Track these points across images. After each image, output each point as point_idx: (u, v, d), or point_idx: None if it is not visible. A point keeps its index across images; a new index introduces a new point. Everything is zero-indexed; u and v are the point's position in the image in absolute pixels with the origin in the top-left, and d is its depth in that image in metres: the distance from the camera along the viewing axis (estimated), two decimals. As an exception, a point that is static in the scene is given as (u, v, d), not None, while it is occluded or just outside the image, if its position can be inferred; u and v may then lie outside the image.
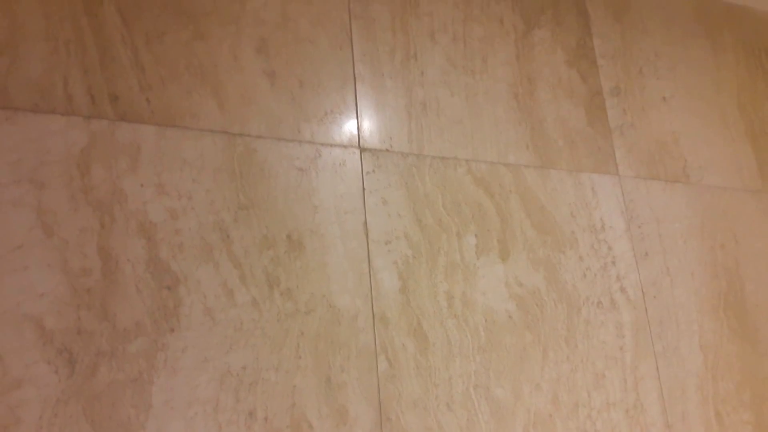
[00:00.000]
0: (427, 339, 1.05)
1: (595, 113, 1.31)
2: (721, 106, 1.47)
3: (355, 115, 1.11)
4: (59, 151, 0.92)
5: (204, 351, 0.92)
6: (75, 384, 0.84)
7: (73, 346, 0.86)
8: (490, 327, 1.10)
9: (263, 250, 0.99)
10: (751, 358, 1.28)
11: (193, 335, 0.92)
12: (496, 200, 1.17)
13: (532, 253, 1.17)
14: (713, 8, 1.54)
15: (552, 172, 1.23)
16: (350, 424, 0.96)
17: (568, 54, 1.32)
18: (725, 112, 1.47)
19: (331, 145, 1.08)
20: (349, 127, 1.10)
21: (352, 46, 1.14)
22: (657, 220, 1.30)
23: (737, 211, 1.39)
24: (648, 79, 1.40)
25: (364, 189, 1.08)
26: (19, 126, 0.91)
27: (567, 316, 1.15)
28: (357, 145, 1.10)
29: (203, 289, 0.94)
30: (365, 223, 1.07)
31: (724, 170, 1.41)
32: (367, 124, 1.12)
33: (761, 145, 1.47)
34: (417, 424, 1.00)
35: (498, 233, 1.15)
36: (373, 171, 1.10)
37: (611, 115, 1.32)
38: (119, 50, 0.98)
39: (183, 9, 1.04)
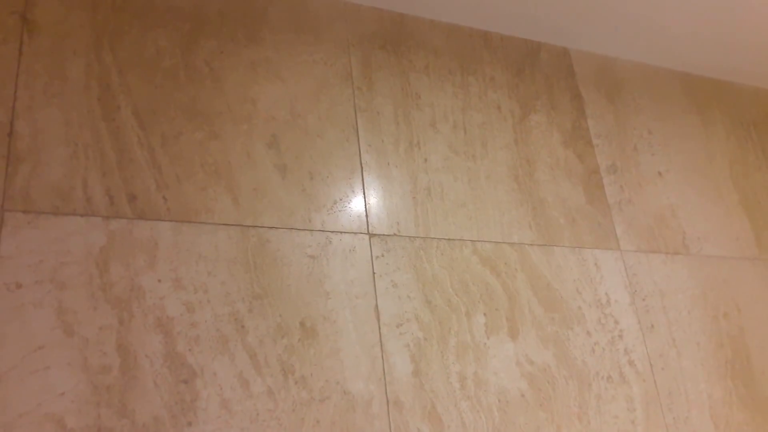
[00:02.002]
0: (442, 422, 1.06)
1: (593, 191, 1.35)
2: (714, 178, 1.52)
3: (363, 202, 1.15)
4: (79, 252, 0.95)
5: (222, 444, 0.93)
6: (95, 484, 0.85)
7: (94, 445, 0.86)
8: (503, 407, 1.11)
9: (277, 338, 1.01)
10: (761, 426, 1.28)
11: (210, 429, 0.93)
12: (502, 279, 1.20)
13: (541, 331, 1.19)
14: (701, 84, 1.61)
15: (555, 249, 1.26)
16: None
17: (564, 136, 1.38)
18: (719, 183, 1.52)
19: (341, 233, 1.12)
20: (358, 214, 1.14)
21: (358, 138, 1.19)
22: (660, 292, 1.32)
23: (737, 279, 1.41)
24: (643, 156, 1.45)
25: (374, 273, 1.11)
26: (40, 229, 0.94)
27: (578, 392, 1.16)
28: (366, 231, 1.14)
29: (219, 381, 0.96)
30: (376, 307, 1.09)
31: (721, 240, 1.44)
32: (375, 211, 1.16)
33: (755, 215, 1.51)
34: None
35: (506, 311, 1.17)
36: (382, 255, 1.13)
37: (609, 192, 1.37)
38: (136, 152, 1.03)
39: (197, 110, 1.09)
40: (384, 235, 1.15)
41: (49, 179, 0.97)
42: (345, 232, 1.12)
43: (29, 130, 0.98)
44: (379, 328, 1.08)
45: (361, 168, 1.17)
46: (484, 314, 1.16)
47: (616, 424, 1.17)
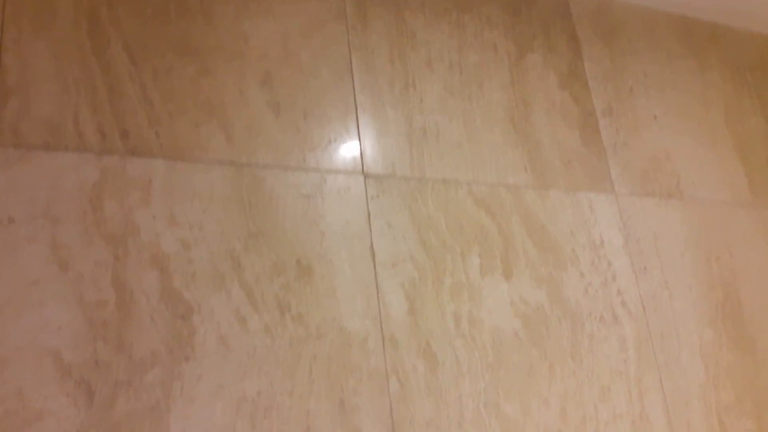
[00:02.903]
0: (437, 359, 1.07)
1: (589, 134, 1.35)
2: (709, 122, 1.51)
3: (358, 142, 1.14)
4: (72, 187, 0.94)
5: (219, 379, 0.93)
6: (94, 415, 0.85)
7: (91, 377, 0.87)
8: (497, 345, 1.12)
9: (274, 276, 1.01)
10: (750, 367, 1.30)
11: (208, 363, 0.93)
12: (497, 221, 1.20)
13: (535, 272, 1.19)
14: (698, 28, 1.59)
15: (550, 192, 1.26)
16: (365, 446, 0.98)
17: (561, 77, 1.36)
18: (714, 128, 1.51)
19: (336, 172, 1.11)
20: (353, 154, 1.13)
21: (352, 77, 1.17)
22: (654, 235, 1.33)
23: (730, 224, 1.42)
24: (638, 99, 1.44)
25: (369, 213, 1.11)
26: (32, 164, 0.93)
27: (571, 331, 1.18)
28: (361, 171, 1.13)
29: (217, 318, 0.96)
30: (372, 247, 1.09)
31: (715, 185, 1.45)
32: (370, 151, 1.15)
33: (749, 160, 1.51)
34: (430, 444, 1.02)
35: (501, 253, 1.18)
36: (378, 196, 1.13)
37: (605, 135, 1.36)
38: (127, 87, 1.01)
39: (188, 46, 1.07)
40: (379, 175, 1.14)
41: (39, 114, 0.95)
42: (340, 172, 1.11)
43: (17, 63, 0.96)
44: (375, 267, 1.09)
45: (356, 108, 1.16)
46: (479, 255, 1.16)
47: (609, 364, 1.18)
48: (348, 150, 1.13)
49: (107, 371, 0.88)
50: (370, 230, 1.10)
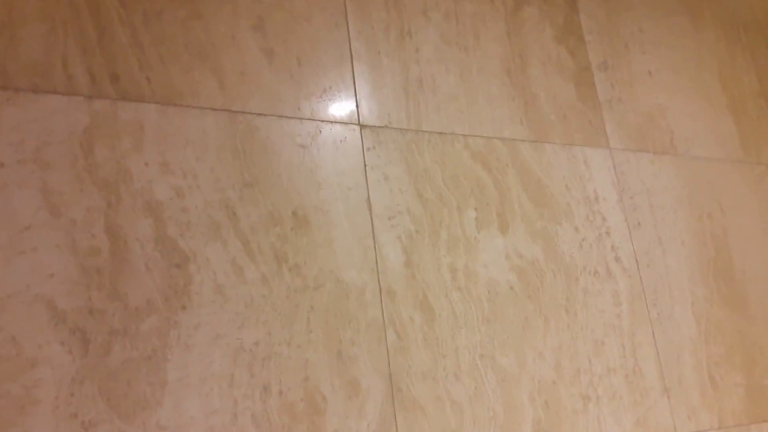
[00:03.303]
0: (433, 311, 1.07)
1: (584, 88, 1.33)
2: (703, 80, 1.51)
3: (353, 92, 1.12)
4: (62, 131, 0.91)
5: (216, 327, 0.92)
6: (89, 363, 0.84)
7: (86, 325, 0.85)
8: (493, 298, 1.11)
9: (270, 227, 0.99)
10: (740, 323, 1.32)
11: (205, 312, 0.92)
12: (493, 174, 1.18)
13: (530, 226, 1.19)
14: (693, -15, 1.58)
15: (546, 146, 1.25)
16: (362, 395, 0.97)
17: (557, 30, 1.35)
18: (707, 85, 1.51)
19: (332, 122, 1.09)
20: (348, 104, 1.11)
21: (347, 24, 1.15)
22: (647, 191, 1.33)
23: (722, 181, 1.43)
24: (634, 54, 1.43)
25: (365, 165, 1.09)
26: (19, 107, 0.89)
27: (566, 285, 1.18)
28: (357, 121, 1.11)
29: (213, 267, 0.94)
30: (368, 199, 1.08)
31: (708, 142, 1.45)
32: (366, 102, 1.13)
33: (741, 117, 1.52)
34: (427, 395, 1.01)
35: (497, 207, 1.17)
36: (374, 147, 1.11)
37: (600, 89, 1.35)
38: (117, 30, 0.97)
39: (181, -13, 1.03)
40: (375, 126, 1.12)
41: (27, 55, 0.91)
42: (335, 122, 1.09)
43: (3, 2, 0.92)
44: (372, 219, 1.07)
45: (351, 56, 1.13)
46: (475, 209, 1.15)
47: (602, 318, 1.19)
48: (343, 100, 1.11)
49: (102, 319, 0.86)
50: (367, 182, 1.09)
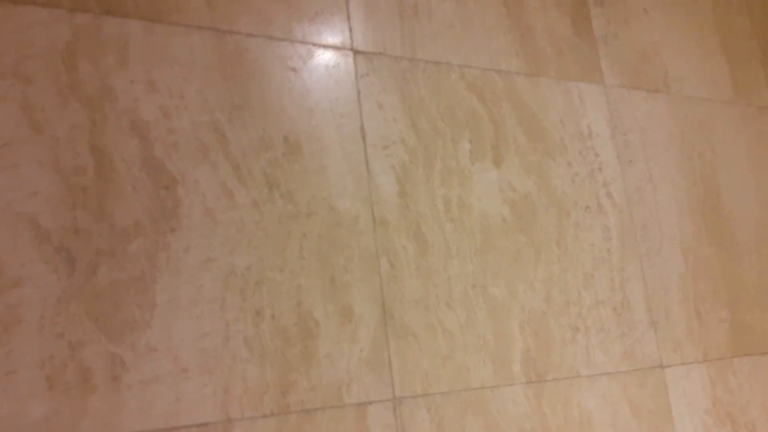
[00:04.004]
0: (427, 241, 1.05)
1: (580, 23, 1.31)
2: (697, 20, 1.49)
3: (346, 16, 1.08)
4: (42, 45, 0.86)
5: (206, 251, 0.90)
6: (75, 283, 0.81)
7: (71, 245, 0.82)
8: (485, 230, 1.10)
9: (261, 152, 0.97)
10: (727, 261, 1.33)
11: (194, 235, 0.89)
12: (488, 107, 1.16)
13: (524, 159, 1.17)
14: None
15: (541, 80, 1.23)
16: (355, 321, 0.96)
17: (555, -40, 1.31)
18: (702, 25, 1.49)
19: (324, 46, 1.05)
20: (341, 28, 1.07)
21: (343, -58, 1.10)
22: (640, 128, 1.32)
23: (713, 121, 1.42)
24: (631, -11, 1.41)
25: (359, 92, 1.06)
26: (-3, 17, 0.85)
27: (557, 219, 1.17)
28: (350, 47, 1.07)
29: (202, 190, 0.91)
30: (362, 127, 1.05)
31: (701, 82, 1.44)
32: (359, 27, 1.09)
33: (734, 58, 1.50)
34: (419, 322, 1.01)
35: (491, 139, 1.15)
36: (368, 74, 1.08)
37: (596, 24, 1.33)
38: (100, -61, 0.92)
39: None
40: (369, 53, 1.09)
41: (2, -38, 0.86)
42: (328, 47, 1.05)
43: None
44: (365, 148, 1.05)
45: (346, -23, 1.09)
46: (470, 141, 1.13)
47: (593, 252, 1.19)
48: (336, 23, 1.07)
49: (88, 239, 0.83)
50: (360, 110, 1.06)
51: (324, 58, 1.05)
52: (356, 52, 1.08)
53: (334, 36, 1.06)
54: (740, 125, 1.45)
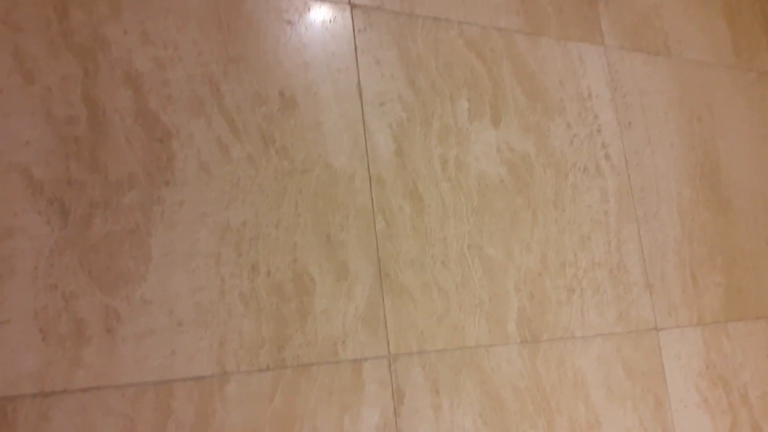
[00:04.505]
0: (423, 201, 1.05)
1: (582, -19, 1.29)
2: (701, -20, 1.47)
3: (344, -31, 1.06)
4: (32, -8, 0.84)
5: (201, 206, 0.89)
6: (69, 234, 0.80)
7: (64, 196, 0.81)
8: (482, 190, 1.10)
9: (256, 106, 0.95)
10: (723, 225, 1.33)
11: (189, 189, 0.88)
12: (488, 65, 1.15)
13: (523, 119, 1.16)
14: None
15: (542, 39, 1.21)
16: (351, 279, 0.96)
17: None
18: (705, -14, 1.47)
19: (321, 0, 1.03)
20: (339, -18, 1.05)
21: None
22: (640, 91, 1.30)
23: (713, 85, 1.41)
24: (634, -53, 1.38)
25: (356, 47, 1.04)
26: (-15, -38, 0.82)
27: (555, 181, 1.16)
28: (347, 0, 1.05)
29: (197, 143, 0.90)
30: (359, 83, 1.04)
31: (702, 45, 1.42)
32: (357, -19, 1.07)
33: (735, 23, 1.48)
34: (415, 280, 1.01)
35: (490, 98, 1.14)
36: (365, 29, 1.06)
37: (598, -17, 1.30)
38: None
39: None
40: (367, 7, 1.07)
41: None
42: (325, 0, 1.03)
43: None
44: (362, 105, 1.03)
45: (344, -71, 1.07)
46: (468, 99, 1.12)
47: (590, 214, 1.18)
48: (334, -23, 1.05)
49: (81, 191, 0.82)
50: (357, 66, 1.04)
51: (321, 11, 1.03)
52: (354, 6, 1.06)
53: (331, -10, 1.04)
54: (740, 90, 1.44)
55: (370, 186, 1.01)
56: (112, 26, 0.88)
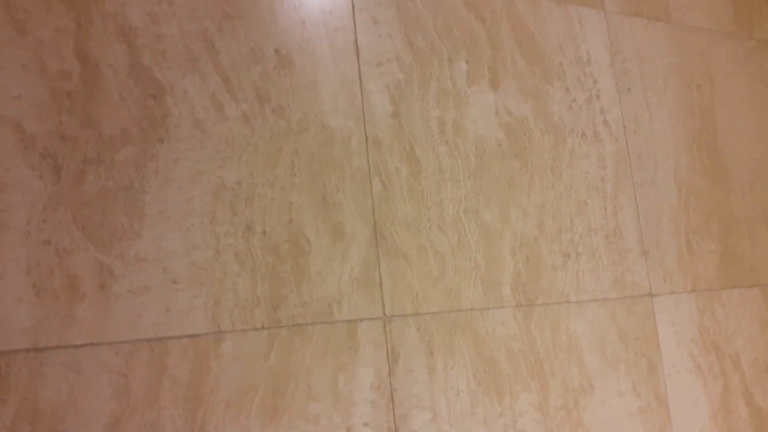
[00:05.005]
0: (420, 163, 1.04)
1: (584, -57, 1.27)
2: (703, -55, 1.45)
3: (342, -74, 1.04)
4: (23, -58, 0.82)
5: (196, 164, 0.88)
6: (62, 190, 0.80)
7: (57, 151, 0.80)
8: (480, 154, 1.09)
9: (251, 64, 0.94)
10: (720, 193, 1.33)
11: (183, 147, 0.87)
12: (487, 26, 1.13)
13: (522, 83, 1.15)
14: None
15: (542, 1, 1.19)
16: (347, 241, 0.96)
17: None
18: (707, -48, 1.45)
19: (319, -43, 1.01)
20: (337, -62, 1.03)
21: None
22: (640, 56, 1.29)
23: (713, 52, 1.39)
24: None
25: (353, 6, 1.03)
26: None
27: (553, 146, 1.16)
28: (345, -42, 1.03)
29: (191, 100, 0.89)
30: (356, 42, 1.02)
31: (702, 12, 1.40)
32: (355, -62, 1.05)
33: (739, -11, 1.47)
34: (410, 243, 1.00)
35: (489, 61, 1.12)
36: (363, -12, 1.04)
37: (600, -55, 1.28)
38: None
39: None
40: (365, -34, 1.05)
41: None
42: (323, -42, 1.01)
43: None
44: (359, 65, 1.02)
45: None
46: (467, 62, 1.11)
47: (587, 179, 1.18)
48: (332, -67, 1.03)
49: (74, 146, 0.81)
50: (354, 24, 1.03)
51: (318, -31, 1.01)
52: (352, -35, 1.04)
53: (329, -54, 1.02)
54: (740, 58, 1.43)
55: (367, 147, 1.00)
56: (105, -21, 0.86)
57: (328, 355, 0.91)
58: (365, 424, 0.91)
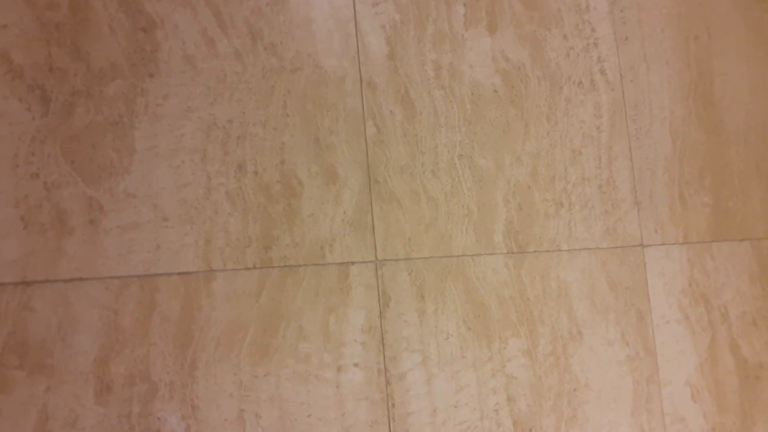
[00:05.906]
0: (415, 108, 1.03)
1: None
2: None
3: None
4: None
5: (187, 100, 0.86)
6: (51, 123, 0.78)
7: (46, 83, 0.78)
8: (475, 100, 1.08)
9: None
10: (714, 146, 1.32)
11: (174, 83, 0.85)
12: (484, -31, 1.11)
13: (519, 28, 1.13)
14: None
15: (541, -56, 1.16)
16: (339, 184, 0.95)
17: None
18: None
19: None
20: None
21: None
22: (638, 5, 1.27)
23: (713, 4, 1.37)
24: None
25: (349, -57, 1.00)
26: None
27: (549, 93, 1.14)
28: None
29: (182, 35, 0.87)
30: (351, -19, 1.00)
31: (705, -39, 1.38)
32: None
33: (742, -61, 1.44)
34: (403, 188, 1.00)
35: (486, 4, 1.10)
36: (359, -75, 1.01)
37: None
38: None
39: None
40: None
41: None
42: None
43: None
44: (354, 3, 1.00)
45: None
46: (464, 4, 1.08)
47: (582, 128, 1.17)
48: None
49: (63, 78, 0.79)
50: (350, -37, 1.00)
51: None
52: None
53: None
54: (739, 11, 1.41)
55: (361, 89, 0.99)
56: None
57: (320, 296, 0.91)
58: (355, 365, 0.92)
